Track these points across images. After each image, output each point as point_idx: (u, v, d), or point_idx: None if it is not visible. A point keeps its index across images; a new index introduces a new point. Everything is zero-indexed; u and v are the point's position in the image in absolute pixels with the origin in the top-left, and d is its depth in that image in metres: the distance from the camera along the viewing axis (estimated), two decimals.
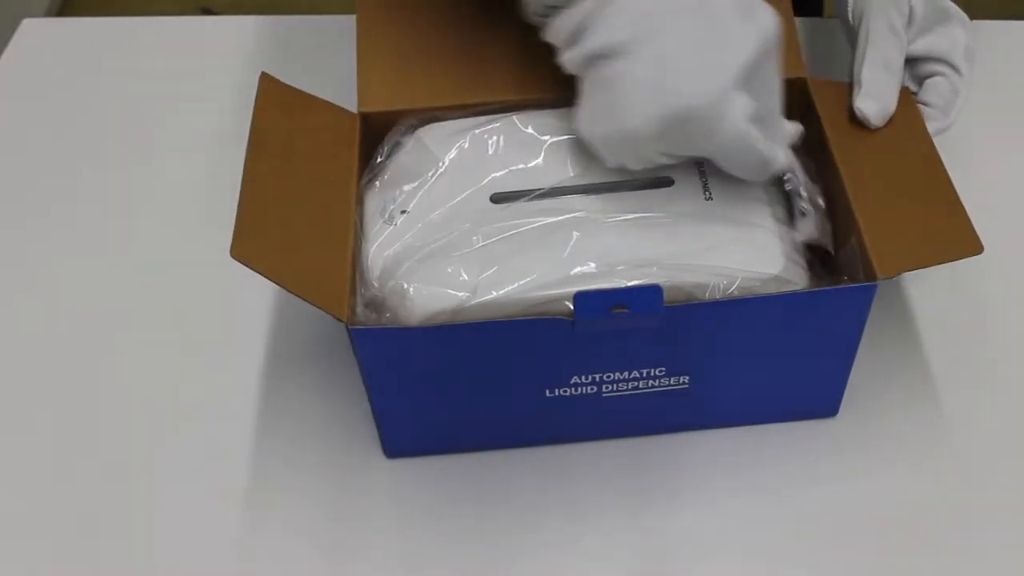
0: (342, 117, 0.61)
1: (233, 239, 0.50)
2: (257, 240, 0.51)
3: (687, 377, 0.57)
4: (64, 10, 1.94)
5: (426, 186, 0.59)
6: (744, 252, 0.56)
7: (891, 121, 0.60)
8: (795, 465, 0.61)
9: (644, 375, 0.57)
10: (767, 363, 0.58)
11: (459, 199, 0.58)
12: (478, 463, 0.61)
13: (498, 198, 0.58)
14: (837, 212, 0.58)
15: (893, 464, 0.61)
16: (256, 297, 0.68)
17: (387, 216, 0.58)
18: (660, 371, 0.57)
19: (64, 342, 0.67)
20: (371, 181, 0.60)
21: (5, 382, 0.66)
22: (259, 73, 0.59)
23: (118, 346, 0.67)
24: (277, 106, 0.59)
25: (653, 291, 0.52)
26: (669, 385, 0.58)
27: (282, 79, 0.60)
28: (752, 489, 0.60)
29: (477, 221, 0.57)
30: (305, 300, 0.51)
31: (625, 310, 0.52)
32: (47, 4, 1.89)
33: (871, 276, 0.54)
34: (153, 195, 0.75)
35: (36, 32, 0.87)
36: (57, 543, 0.59)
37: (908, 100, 0.61)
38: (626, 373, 0.56)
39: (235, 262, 0.50)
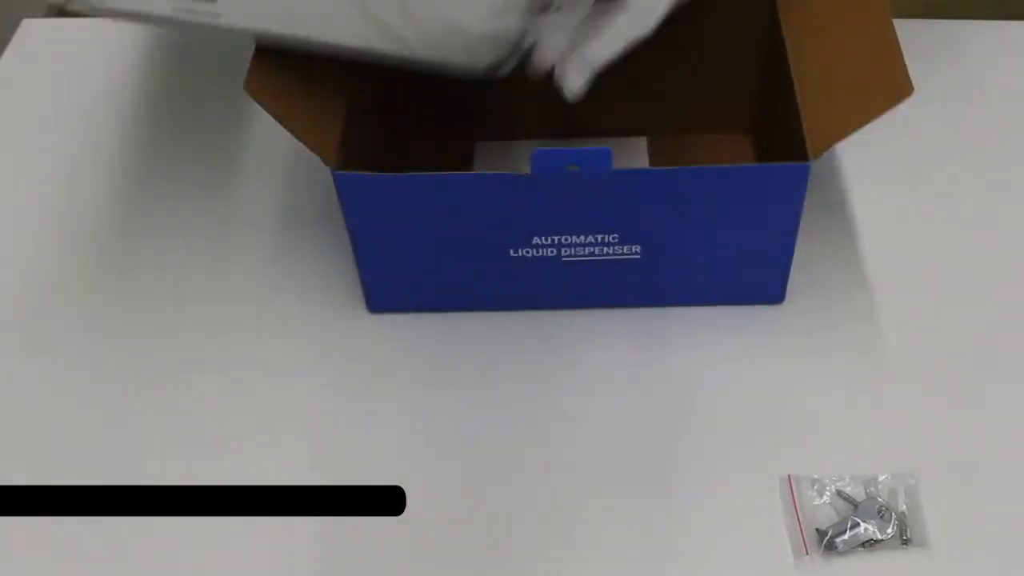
0: None
1: (248, 75, 0.56)
2: (268, 77, 0.58)
3: (639, 247, 0.63)
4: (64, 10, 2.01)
5: None
6: None
7: None
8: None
9: (599, 240, 0.63)
10: (712, 236, 0.63)
11: None
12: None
13: None
14: (782, 91, 0.63)
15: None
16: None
17: None
18: (614, 238, 0.63)
19: (65, 331, 0.69)
20: None
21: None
22: None
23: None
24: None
25: (603, 153, 0.58)
26: (623, 254, 0.64)
27: None
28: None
29: None
30: (300, 140, 0.58)
31: (576, 168, 0.58)
32: (47, 4, 1.96)
33: (804, 157, 0.59)
34: (153, 194, 0.76)
35: (36, 32, 0.88)
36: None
37: None
38: (582, 237, 0.63)
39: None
